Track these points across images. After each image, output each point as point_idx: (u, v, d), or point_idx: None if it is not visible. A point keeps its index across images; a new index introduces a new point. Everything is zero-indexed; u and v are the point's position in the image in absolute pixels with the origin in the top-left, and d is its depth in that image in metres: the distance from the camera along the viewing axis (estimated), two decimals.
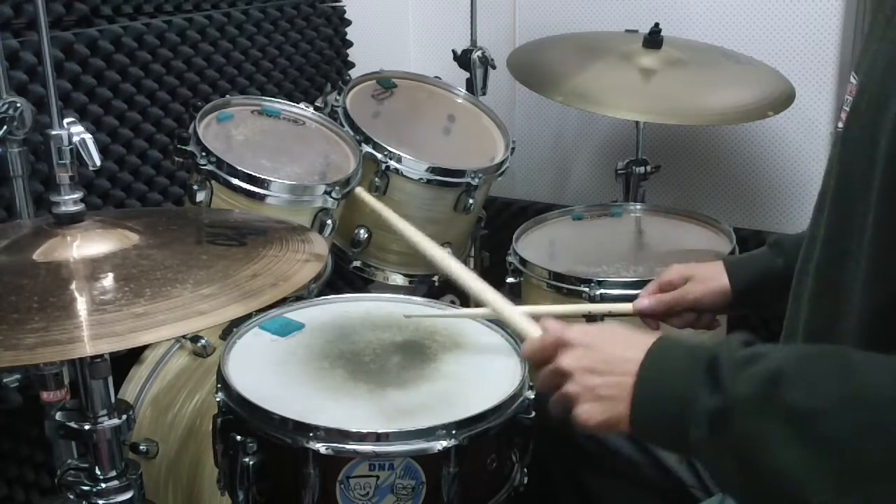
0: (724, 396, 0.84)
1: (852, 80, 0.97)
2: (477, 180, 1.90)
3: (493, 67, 2.24)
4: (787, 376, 0.82)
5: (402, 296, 1.50)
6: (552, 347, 1.03)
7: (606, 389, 0.94)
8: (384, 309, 1.46)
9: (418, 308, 1.47)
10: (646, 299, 1.37)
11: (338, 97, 1.96)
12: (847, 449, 0.79)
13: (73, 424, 1.12)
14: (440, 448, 1.10)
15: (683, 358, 0.91)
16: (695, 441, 0.86)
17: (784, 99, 1.96)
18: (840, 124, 0.97)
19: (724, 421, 0.84)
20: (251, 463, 1.14)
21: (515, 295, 1.84)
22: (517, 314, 1.19)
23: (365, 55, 2.50)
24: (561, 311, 1.44)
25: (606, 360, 0.96)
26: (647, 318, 1.38)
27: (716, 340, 0.92)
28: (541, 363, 1.04)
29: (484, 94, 2.24)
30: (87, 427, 1.12)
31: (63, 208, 1.10)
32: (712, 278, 1.34)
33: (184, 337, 1.58)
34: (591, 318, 1.42)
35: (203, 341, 1.57)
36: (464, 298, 2.29)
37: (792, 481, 0.80)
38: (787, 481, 0.80)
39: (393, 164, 1.85)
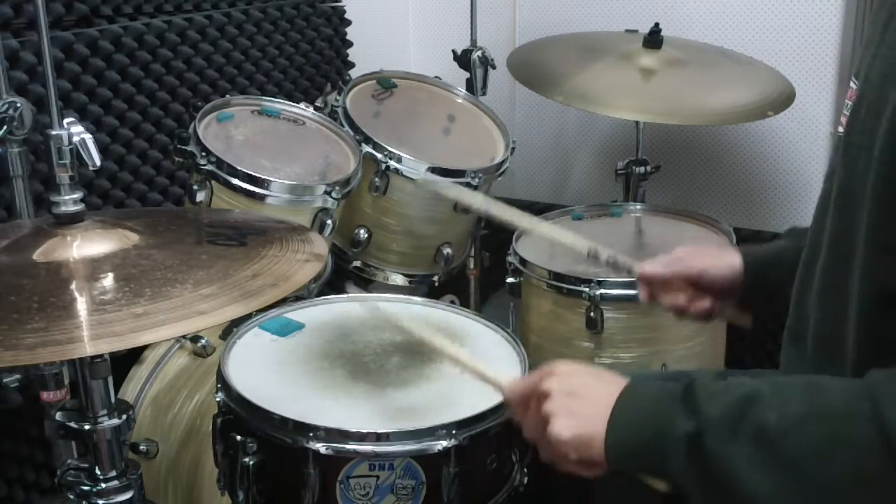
0: (697, 420, 0.85)
1: (852, 84, 0.98)
2: (477, 180, 1.89)
3: (493, 67, 2.24)
4: (762, 397, 0.84)
5: (402, 296, 1.50)
6: (537, 379, 1.01)
7: (583, 409, 0.94)
8: (384, 309, 1.46)
9: (417, 307, 1.47)
10: (649, 263, 1.34)
11: (338, 97, 1.96)
12: (808, 468, 0.80)
13: (73, 424, 1.12)
14: (440, 448, 1.10)
15: (660, 386, 0.92)
16: (672, 466, 0.86)
17: (784, 99, 1.96)
18: (840, 129, 0.98)
19: (699, 444, 0.85)
20: (251, 463, 1.14)
21: (515, 295, 1.85)
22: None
23: (365, 55, 2.50)
24: (568, 241, 1.42)
25: (586, 387, 0.96)
26: (646, 287, 1.35)
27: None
28: (524, 398, 1.02)
29: (484, 94, 2.24)
30: (87, 427, 1.12)
31: (63, 208, 1.10)
32: (722, 254, 1.32)
33: (184, 337, 1.58)
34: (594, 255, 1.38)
35: (203, 341, 1.57)
36: (463, 299, 2.29)
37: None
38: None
39: (393, 164, 1.85)
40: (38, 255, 1.05)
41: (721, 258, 1.32)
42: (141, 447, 1.50)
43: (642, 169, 2.18)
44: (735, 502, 0.83)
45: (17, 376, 1.49)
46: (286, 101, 1.92)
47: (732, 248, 1.35)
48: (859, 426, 0.78)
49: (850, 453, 0.78)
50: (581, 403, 0.94)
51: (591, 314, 1.67)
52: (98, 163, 1.15)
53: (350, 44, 2.50)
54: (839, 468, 0.79)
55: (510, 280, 1.83)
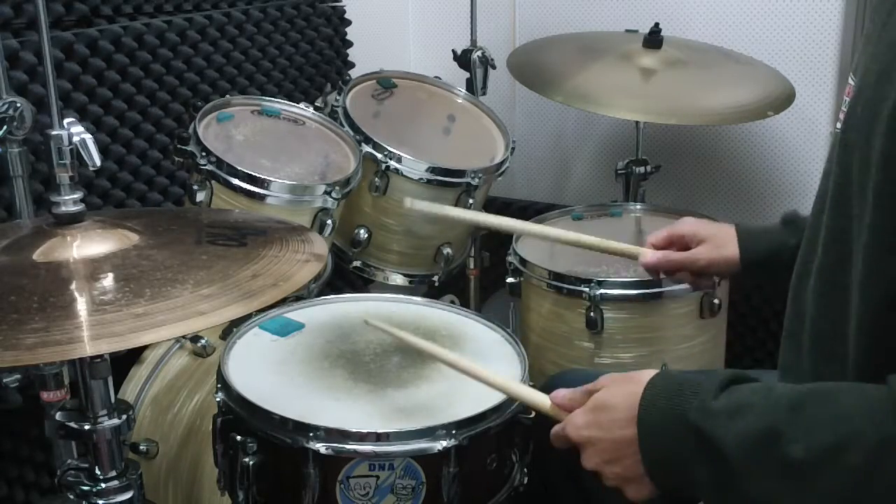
0: (720, 463, 0.85)
1: (850, 82, 0.98)
2: (477, 180, 1.89)
3: (493, 67, 2.24)
4: (783, 432, 0.83)
5: (401, 296, 1.50)
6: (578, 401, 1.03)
7: (627, 473, 0.95)
8: (384, 309, 1.46)
9: (417, 307, 1.47)
10: (653, 256, 1.38)
11: (338, 97, 1.96)
12: (845, 496, 0.80)
13: (73, 424, 1.12)
14: (440, 448, 1.10)
15: (672, 431, 0.90)
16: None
17: (784, 99, 1.96)
18: (838, 125, 0.97)
19: (724, 487, 0.86)
20: (251, 463, 1.14)
21: (515, 295, 1.85)
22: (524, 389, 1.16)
23: (365, 55, 2.50)
24: (569, 238, 1.43)
25: (614, 446, 0.96)
26: (653, 272, 1.40)
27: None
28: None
29: (484, 94, 2.24)
30: (87, 427, 1.12)
31: (63, 208, 1.10)
32: (724, 245, 1.34)
33: (184, 337, 1.58)
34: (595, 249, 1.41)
35: (203, 341, 1.57)
36: (463, 298, 2.29)
37: None
38: None
39: (393, 164, 1.85)
40: (38, 255, 1.05)
41: (723, 252, 1.34)
42: (141, 447, 1.50)
43: (642, 169, 2.18)
44: None
45: (17, 376, 1.49)
46: (286, 101, 1.92)
47: (732, 234, 1.35)
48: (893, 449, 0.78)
49: (885, 485, 0.78)
50: (622, 471, 0.96)
51: (591, 314, 1.67)
52: (98, 163, 1.15)
53: (350, 44, 2.50)
54: (877, 492, 0.79)
55: (510, 280, 1.83)
